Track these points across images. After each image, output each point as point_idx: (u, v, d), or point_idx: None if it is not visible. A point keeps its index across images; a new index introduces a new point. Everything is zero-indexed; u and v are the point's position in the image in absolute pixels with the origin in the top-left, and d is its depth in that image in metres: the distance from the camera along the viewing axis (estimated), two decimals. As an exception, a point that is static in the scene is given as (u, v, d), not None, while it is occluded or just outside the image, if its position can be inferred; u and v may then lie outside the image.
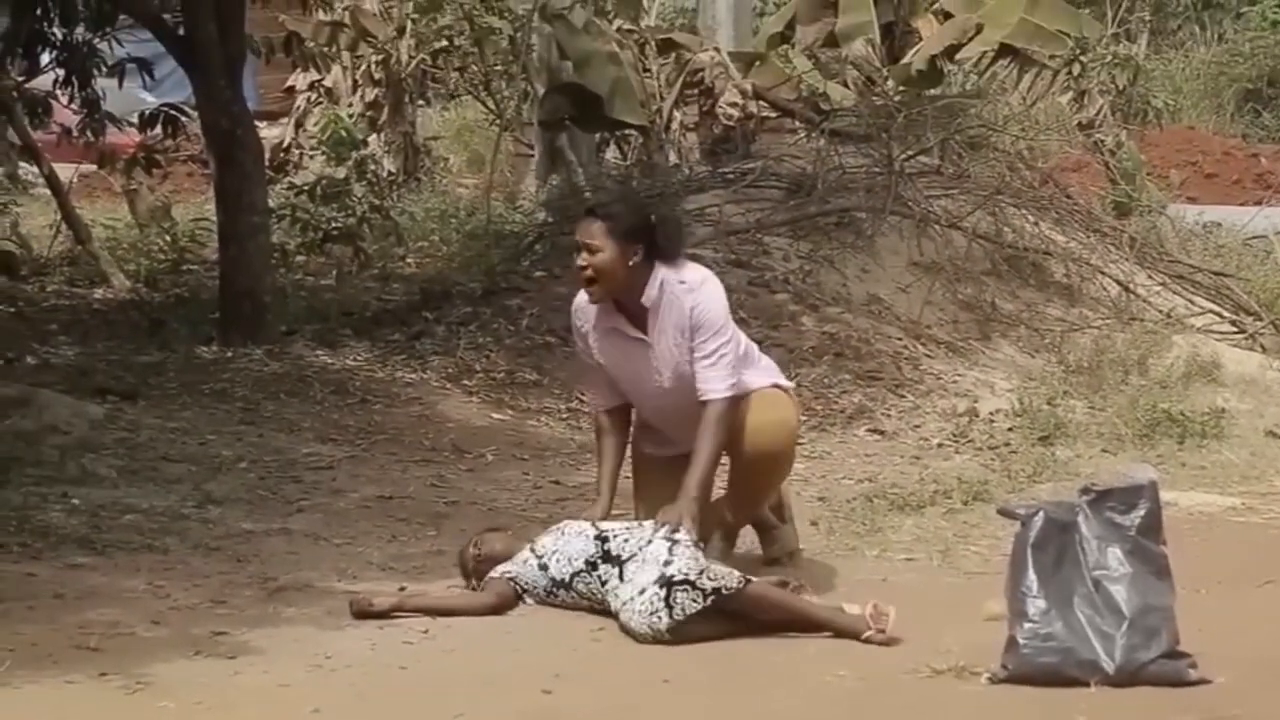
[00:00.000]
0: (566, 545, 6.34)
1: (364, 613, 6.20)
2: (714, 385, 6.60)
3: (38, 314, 11.61)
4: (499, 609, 6.33)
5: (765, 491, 6.99)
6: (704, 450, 6.54)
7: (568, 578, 6.30)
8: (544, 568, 6.35)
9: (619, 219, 6.64)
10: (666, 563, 6.09)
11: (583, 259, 6.60)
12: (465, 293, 11.52)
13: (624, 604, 6.11)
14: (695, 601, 5.99)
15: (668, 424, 6.80)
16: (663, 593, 6.01)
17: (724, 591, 5.99)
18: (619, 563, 6.21)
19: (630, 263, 6.60)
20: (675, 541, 6.15)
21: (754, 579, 6.16)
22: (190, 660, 5.70)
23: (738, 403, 6.66)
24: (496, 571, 6.40)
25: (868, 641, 5.97)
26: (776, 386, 6.88)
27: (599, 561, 6.26)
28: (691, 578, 6.02)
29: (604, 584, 6.21)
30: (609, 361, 6.80)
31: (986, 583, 6.59)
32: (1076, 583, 5.58)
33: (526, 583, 6.37)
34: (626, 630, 6.09)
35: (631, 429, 6.93)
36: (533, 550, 6.40)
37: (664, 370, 6.68)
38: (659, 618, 5.99)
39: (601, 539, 6.30)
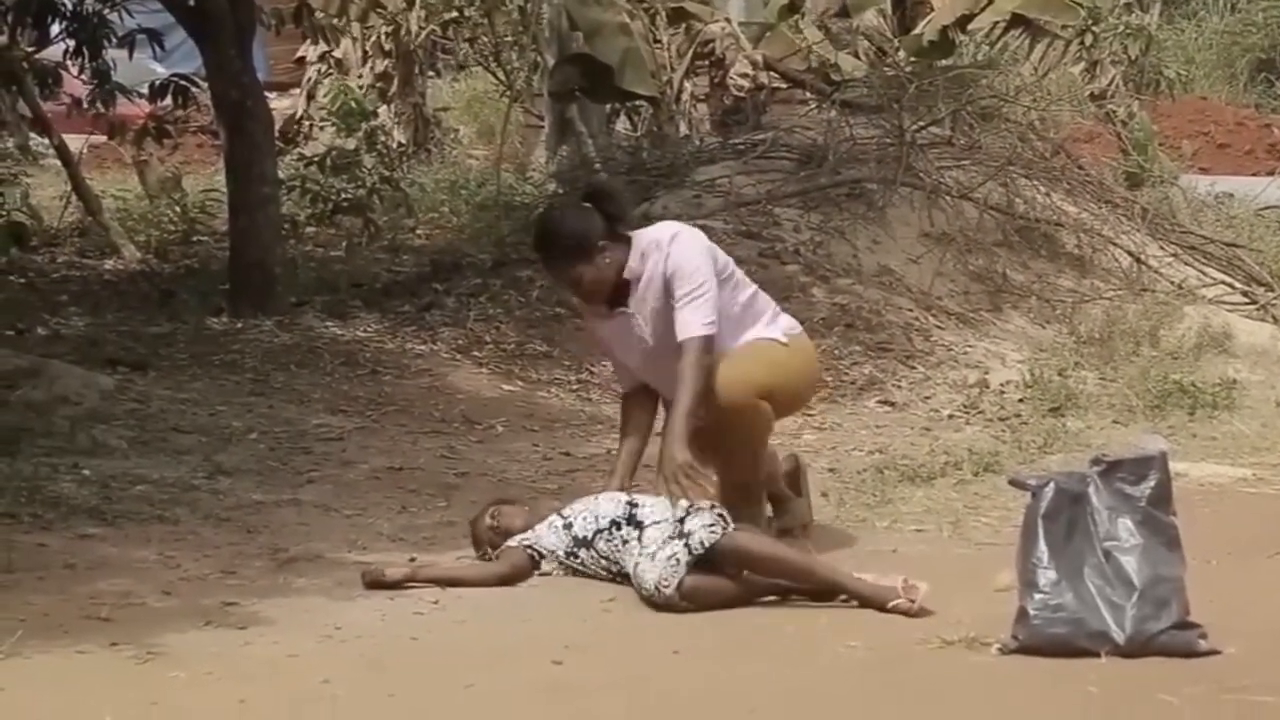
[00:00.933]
0: (596, 506, 6.39)
1: (376, 583, 6.20)
2: (688, 326, 6.50)
3: (48, 285, 11.61)
4: (511, 579, 6.33)
5: (736, 452, 6.72)
6: (682, 393, 6.41)
7: (590, 535, 6.31)
8: (568, 527, 6.37)
9: (562, 244, 6.64)
10: (681, 520, 6.12)
11: (574, 297, 6.63)
12: (475, 264, 11.51)
13: (637, 563, 6.12)
14: (714, 533, 6.01)
15: (665, 387, 6.74)
16: (680, 541, 6.03)
17: (704, 546, 6.01)
18: (641, 527, 6.22)
19: (606, 260, 6.59)
20: (691, 510, 6.16)
21: (736, 528, 6.15)
22: (201, 630, 5.70)
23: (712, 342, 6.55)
24: (514, 540, 6.41)
25: (893, 610, 5.96)
26: (768, 339, 6.76)
27: (623, 522, 6.27)
28: (707, 521, 6.05)
29: (624, 543, 6.22)
30: (614, 343, 6.81)
31: (997, 554, 6.58)
32: (1087, 553, 5.57)
33: (546, 546, 6.38)
34: (640, 591, 6.09)
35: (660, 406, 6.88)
36: (559, 514, 6.43)
37: (647, 332, 6.65)
38: (677, 563, 6.01)
39: (631, 504, 6.33)
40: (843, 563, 6.50)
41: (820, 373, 7.98)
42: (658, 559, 6.07)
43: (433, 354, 10.08)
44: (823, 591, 6.14)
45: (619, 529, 6.28)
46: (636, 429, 6.81)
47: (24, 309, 10.56)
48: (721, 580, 6.08)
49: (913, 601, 5.98)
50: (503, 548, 6.43)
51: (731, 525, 6.12)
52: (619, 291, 6.67)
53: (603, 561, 6.32)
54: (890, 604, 6.00)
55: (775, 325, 6.83)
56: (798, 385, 6.96)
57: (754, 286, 6.88)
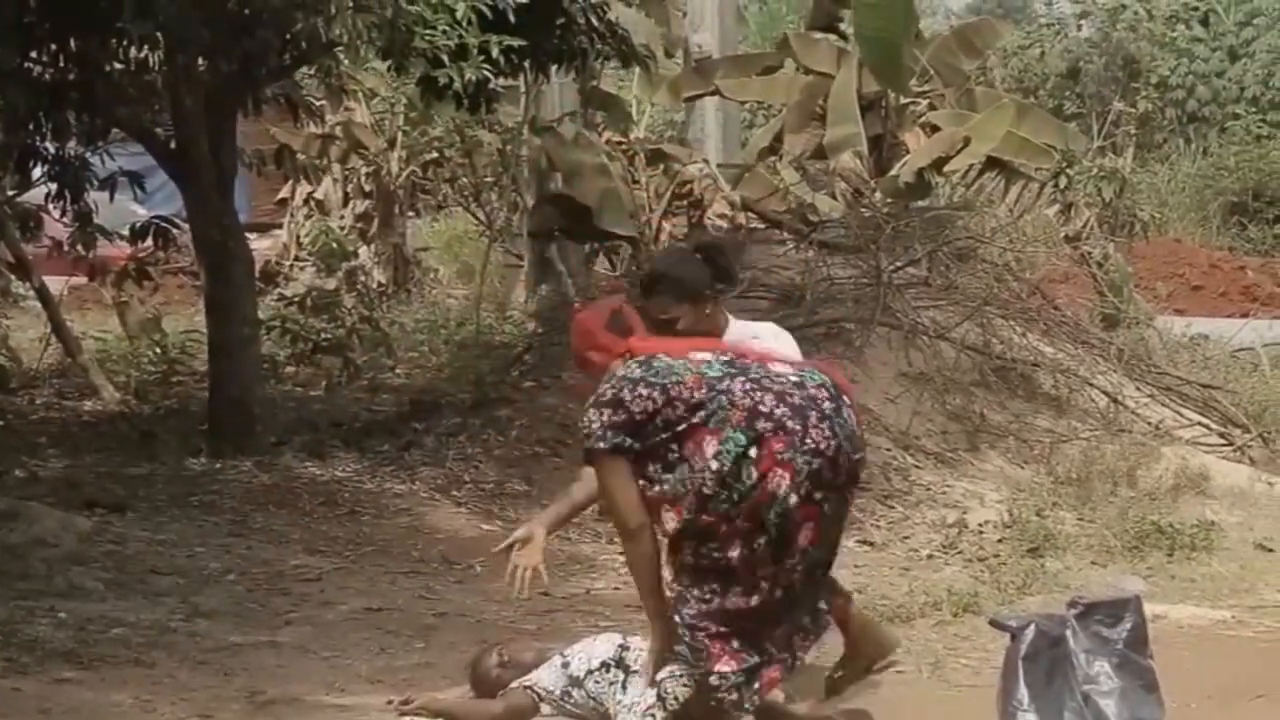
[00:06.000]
0: (592, 646, 6.36)
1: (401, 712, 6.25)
2: None
3: (27, 427, 11.60)
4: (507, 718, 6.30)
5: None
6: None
7: (582, 675, 6.28)
8: (566, 665, 6.33)
9: (675, 280, 6.54)
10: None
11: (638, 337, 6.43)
12: (454, 403, 11.53)
13: (620, 707, 6.09)
14: (686, 687, 5.97)
15: None
16: (654, 691, 5.99)
17: (678, 701, 5.97)
18: (628, 671, 6.20)
19: (707, 312, 6.52)
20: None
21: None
22: (177, 775, 5.66)
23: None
24: (517, 683, 6.38)
25: None
26: None
27: (612, 665, 6.25)
28: (679, 673, 6.02)
29: (610, 685, 6.19)
30: None
31: (977, 695, 6.56)
32: (1067, 696, 5.56)
33: (545, 687, 6.34)
34: None
35: None
36: (560, 653, 6.40)
37: None
38: (653, 715, 5.97)
39: (624, 646, 6.30)
40: (824, 704, 6.46)
41: None
42: (634, 712, 6.04)
43: (412, 493, 10.07)
44: None
45: (608, 670, 6.26)
46: (585, 488, 6.44)
47: (2, 451, 10.54)
48: None
49: None
50: (507, 689, 6.39)
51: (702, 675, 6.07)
52: None
53: (591, 703, 6.29)
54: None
55: None
56: None
57: None
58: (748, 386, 5.90)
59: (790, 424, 5.80)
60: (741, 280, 12.91)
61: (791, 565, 5.85)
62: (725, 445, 5.79)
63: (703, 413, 5.83)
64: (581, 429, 5.93)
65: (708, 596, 5.83)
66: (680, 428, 5.83)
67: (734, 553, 5.82)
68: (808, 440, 5.78)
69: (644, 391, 5.86)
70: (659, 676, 5.99)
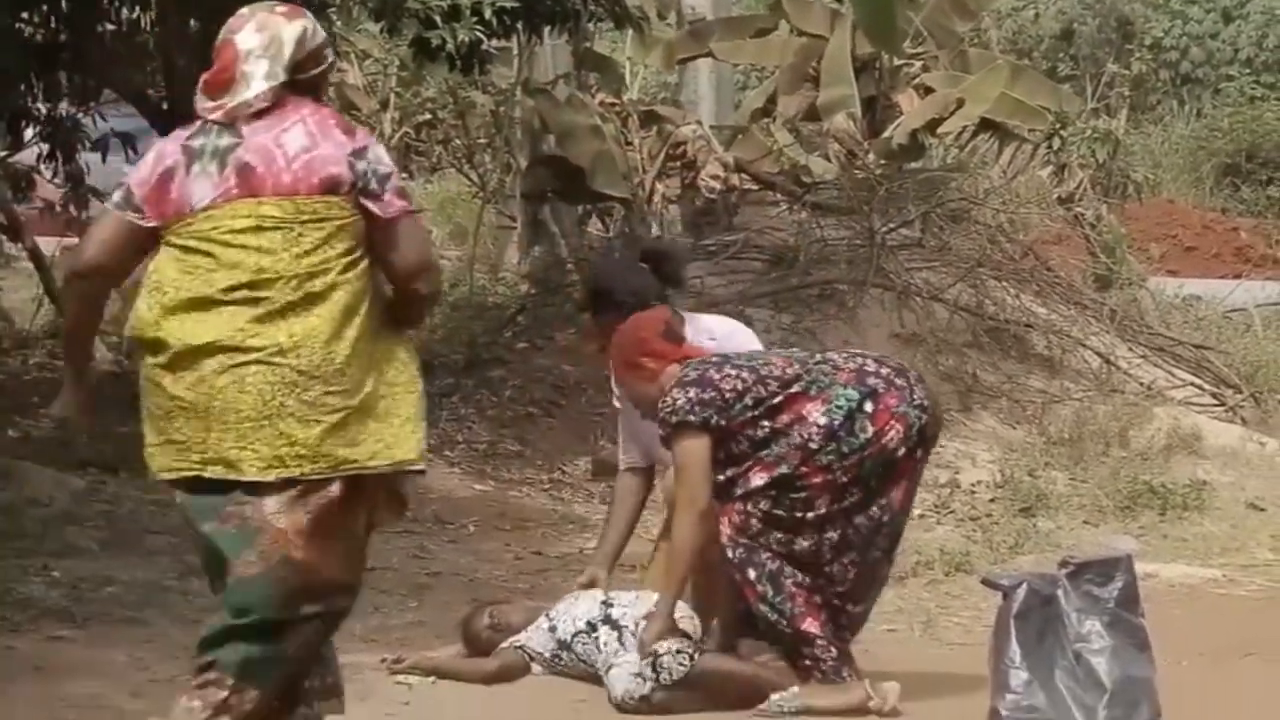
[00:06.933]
0: (575, 606, 6.37)
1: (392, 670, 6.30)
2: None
3: (19, 387, 11.59)
4: (498, 678, 6.32)
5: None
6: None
7: (569, 638, 6.29)
8: (553, 629, 6.35)
9: (617, 299, 6.57)
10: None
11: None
12: (448, 364, 11.52)
13: (609, 667, 6.10)
14: (682, 665, 5.98)
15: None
16: (648, 661, 6.00)
17: (671, 678, 5.99)
18: (618, 628, 6.20)
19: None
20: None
21: (704, 653, 6.14)
22: (170, 733, 5.66)
23: None
24: (507, 642, 6.40)
25: (868, 712, 5.97)
26: None
27: (599, 624, 6.25)
28: (678, 650, 6.03)
29: (600, 648, 6.20)
30: (630, 414, 6.63)
31: (969, 654, 6.59)
32: (1058, 655, 5.57)
33: (535, 649, 6.36)
34: (610, 694, 6.07)
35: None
36: (546, 615, 6.41)
37: None
38: (642, 680, 5.98)
39: (607, 603, 6.30)
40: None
41: None
42: (624, 668, 6.05)
43: (404, 454, 10.05)
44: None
45: (594, 631, 6.26)
46: (625, 515, 6.72)
47: (-5, 410, 10.54)
48: (691, 692, 6.07)
49: (884, 702, 5.99)
50: (498, 649, 6.41)
51: (698, 652, 6.09)
52: None
53: (581, 665, 6.30)
54: (859, 703, 6.00)
55: None
56: None
57: None
58: (845, 355, 6.27)
59: (898, 381, 6.07)
60: (735, 241, 12.93)
61: (876, 523, 6.02)
62: (835, 402, 5.99)
63: (800, 384, 6.04)
64: (663, 410, 6.01)
65: (776, 547, 5.98)
66: (775, 401, 6.01)
67: (821, 508, 5.95)
68: (915, 395, 6.04)
69: (732, 372, 6.05)
70: (659, 649, 6.00)
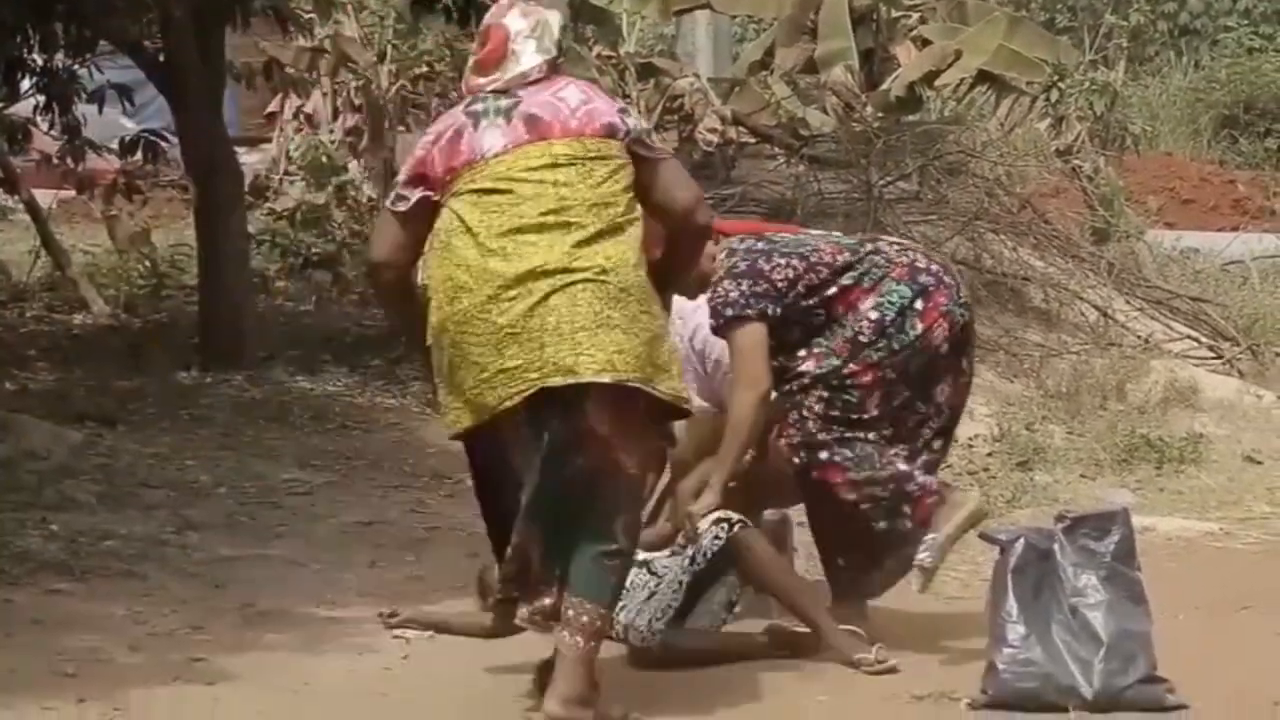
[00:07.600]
0: None
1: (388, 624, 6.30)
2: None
3: (16, 340, 11.58)
4: (501, 633, 6.31)
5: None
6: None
7: None
8: None
9: None
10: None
11: None
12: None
13: (633, 601, 6.07)
14: (719, 538, 6.00)
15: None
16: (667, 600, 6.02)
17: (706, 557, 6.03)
18: (645, 564, 6.09)
19: None
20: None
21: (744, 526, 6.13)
22: (169, 686, 5.69)
23: None
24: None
25: (858, 665, 5.98)
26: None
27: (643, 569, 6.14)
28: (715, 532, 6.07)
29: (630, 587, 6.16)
30: None
31: (966, 608, 6.60)
32: (1054, 609, 5.59)
33: None
34: (625, 631, 6.05)
35: None
36: None
37: None
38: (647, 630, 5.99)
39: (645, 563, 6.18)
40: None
41: None
42: (651, 601, 6.04)
43: (403, 408, 10.07)
44: (795, 647, 6.14)
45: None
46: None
47: (-9, 364, 10.54)
48: (700, 638, 6.08)
49: (882, 662, 5.99)
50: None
51: (735, 526, 6.08)
52: None
53: None
54: (857, 657, 6.01)
55: None
56: None
57: None
58: (897, 247, 6.25)
59: (947, 279, 6.12)
60: (732, 195, 12.90)
61: (925, 417, 6.09)
62: (887, 297, 6.03)
63: (853, 273, 6.08)
64: (715, 301, 6.05)
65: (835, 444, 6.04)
66: (829, 291, 6.06)
67: (873, 409, 6.02)
68: (961, 293, 6.13)
69: (781, 260, 6.07)
70: (702, 526, 6.02)
